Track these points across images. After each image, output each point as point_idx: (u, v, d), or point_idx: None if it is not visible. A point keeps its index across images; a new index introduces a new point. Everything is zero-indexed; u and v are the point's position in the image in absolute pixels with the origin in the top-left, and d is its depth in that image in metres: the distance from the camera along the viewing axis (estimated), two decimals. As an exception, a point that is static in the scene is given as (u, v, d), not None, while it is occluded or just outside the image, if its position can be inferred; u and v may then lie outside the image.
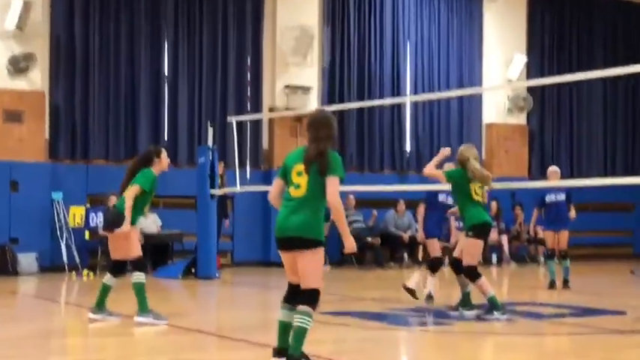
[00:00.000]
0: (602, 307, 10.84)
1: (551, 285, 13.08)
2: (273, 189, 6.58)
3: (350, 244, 6.40)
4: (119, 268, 9.13)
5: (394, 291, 12.83)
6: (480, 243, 9.56)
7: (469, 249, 9.57)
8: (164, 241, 16.73)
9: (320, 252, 6.31)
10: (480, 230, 9.53)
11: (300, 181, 6.33)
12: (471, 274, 9.51)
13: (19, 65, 15.61)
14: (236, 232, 17.85)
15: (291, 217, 6.31)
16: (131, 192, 8.90)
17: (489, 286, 9.51)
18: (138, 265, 8.95)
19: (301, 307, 6.27)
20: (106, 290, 9.12)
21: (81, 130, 16.60)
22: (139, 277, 8.86)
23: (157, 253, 16.42)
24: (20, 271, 15.25)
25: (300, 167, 6.34)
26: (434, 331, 8.80)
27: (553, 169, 13.23)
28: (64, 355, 7.27)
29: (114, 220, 8.95)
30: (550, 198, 13.11)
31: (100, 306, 9.11)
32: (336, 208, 6.27)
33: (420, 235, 11.27)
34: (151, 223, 16.60)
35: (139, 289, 8.83)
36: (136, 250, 8.98)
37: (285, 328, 6.44)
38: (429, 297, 10.75)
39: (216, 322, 10.00)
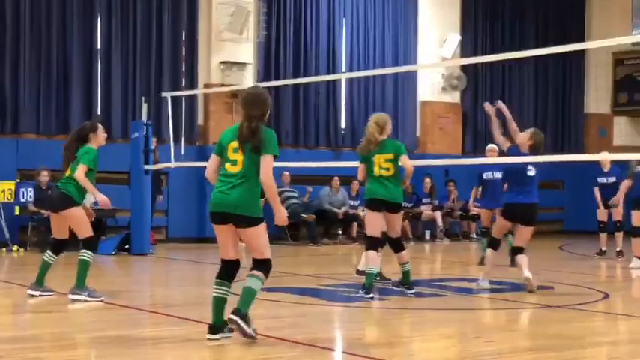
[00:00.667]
0: (531, 282, 11.10)
1: (482, 261, 13.30)
2: (210, 165, 6.64)
3: (281, 217, 6.57)
4: (61, 247, 9.13)
5: (328, 267, 12.97)
6: (369, 215, 9.59)
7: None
8: (97, 217, 16.53)
9: (261, 226, 6.50)
10: (367, 204, 9.70)
11: (236, 157, 6.44)
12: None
13: (-53, 37, 15.27)
14: (171, 208, 17.76)
15: (228, 193, 6.41)
16: (81, 173, 8.85)
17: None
18: (89, 244, 8.98)
19: (255, 272, 6.52)
20: (46, 267, 9.09)
21: (11, 104, 16.29)
22: (87, 254, 8.89)
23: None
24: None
25: (236, 144, 6.43)
26: (367, 307, 8.92)
27: (491, 146, 13.43)
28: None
29: (60, 202, 8.94)
30: (488, 175, 13.34)
31: (39, 282, 9.09)
32: (268, 186, 6.40)
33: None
34: (86, 199, 16.39)
35: (84, 266, 8.85)
36: (87, 230, 8.98)
37: (219, 303, 6.51)
38: (360, 271, 10.89)
39: (150, 298, 9.99)
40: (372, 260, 9.49)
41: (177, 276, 12.54)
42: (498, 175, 12.90)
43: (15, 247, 15.15)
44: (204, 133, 18.29)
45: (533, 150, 10.32)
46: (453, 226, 20.52)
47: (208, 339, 6.47)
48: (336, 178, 18.74)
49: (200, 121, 18.30)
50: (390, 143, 9.58)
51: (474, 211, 15.83)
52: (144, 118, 15.16)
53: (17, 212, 15.69)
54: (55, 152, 9.40)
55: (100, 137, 9.20)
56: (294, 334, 6.90)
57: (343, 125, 20.12)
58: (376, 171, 9.47)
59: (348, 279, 11.00)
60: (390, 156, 9.45)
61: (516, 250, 10.31)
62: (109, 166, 16.71)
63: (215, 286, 6.56)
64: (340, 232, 18.96)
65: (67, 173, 9.03)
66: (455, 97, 21.63)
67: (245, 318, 6.43)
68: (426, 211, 19.86)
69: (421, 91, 21.19)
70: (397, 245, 9.67)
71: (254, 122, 6.43)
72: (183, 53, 18.08)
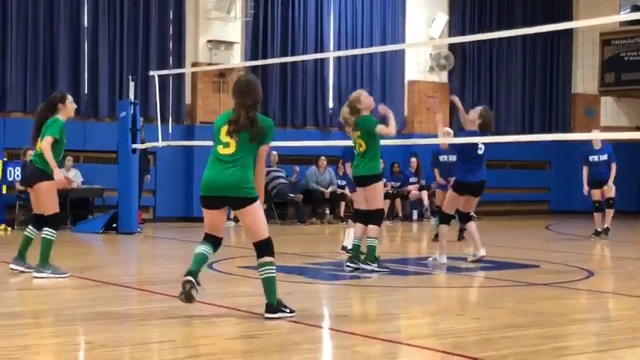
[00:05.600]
0: (517, 261, 11.19)
1: (436, 238, 13.31)
2: None
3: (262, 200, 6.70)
4: (41, 222, 9.03)
5: (315, 246, 13.02)
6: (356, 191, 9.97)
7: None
8: (85, 196, 16.58)
9: (257, 205, 6.52)
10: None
11: (229, 140, 6.50)
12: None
13: None
14: (158, 188, 17.77)
15: (221, 175, 6.47)
16: (46, 144, 8.74)
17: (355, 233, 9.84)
18: (51, 221, 8.90)
19: (262, 259, 6.57)
20: (27, 242, 9.11)
21: (-3, 83, 16.23)
22: (50, 232, 8.84)
23: (77, 208, 16.29)
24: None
25: (229, 128, 6.51)
26: (353, 285, 8.96)
27: (446, 130, 13.58)
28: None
29: (32, 175, 8.90)
30: (443, 158, 14.03)
31: (21, 257, 9.10)
32: (261, 176, 6.62)
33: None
34: (72, 178, 16.40)
35: (46, 244, 8.80)
36: (52, 207, 8.90)
37: (200, 257, 6.64)
38: (344, 247, 11.10)
39: (137, 275, 10.01)
40: (356, 232, 9.79)
41: (163, 254, 12.56)
42: (453, 158, 13.10)
43: (2, 226, 15.13)
44: (191, 112, 18.27)
45: (483, 128, 10.51)
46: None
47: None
48: (323, 158, 18.76)
49: (188, 100, 18.27)
50: (360, 121, 9.63)
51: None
52: (131, 96, 15.12)
53: (4, 191, 15.66)
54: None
55: (68, 108, 9.10)
56: (280, 311, 6.92)
57: (331, 105, 20.12)
58: (357, 149, 9.68)
59: (334, 258, 11.06)
60: (359, 133, 9.57)
61: (464, 217, 10.69)
62: (97, 145, 16.80)
63: (199, 245, 6.71)
64: (327, 211, 19.01)
65: (37, 146, 8.92)
66: (443, 77, 21.64)
67: (280, 308, 6.55)
68: (413, 190, 19.91)
69: (409, 70, 21.20)
70: (364, 217, 9.71)
71: (250, 111, 6.50)
72: (171, 32, 18.04)
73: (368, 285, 8.99)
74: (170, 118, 15.63)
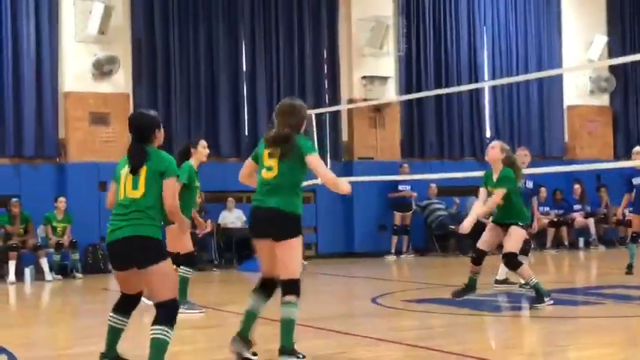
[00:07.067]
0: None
1: (629, 269, 12.83)
2: (243, 170, 6.68)
3: (346, 187, 6.45)
4: (190, 259, 9.34)
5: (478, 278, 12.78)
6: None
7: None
8: (248, 236, 16.94)
9: (298, 239, 6.22)
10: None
11: (271, 163, 6.34)
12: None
13: (102, 69, 16.01)
14: (319, 224, 17.99)
15: (264, 200, 6.28)
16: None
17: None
18: (187, 259, 9.26)
19: (289, 298, 6.18)
20: (183, 284, 9.23)
21: (164, 129, 16.84)
22: (185, 270, 9.22)
23: (241, 248, 16.69)
24: (111, 269, 15.61)
25: (267, 148, 6.38)
26: (518, 316, 8.77)
27: (637, 149, 12.95)
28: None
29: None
30: (637, 181, 12.81)
31: (181, 299, 9.39)
32: (328, 181, 6.26)
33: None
34: (236, 218, 16.89)
35: (182, 282, 8.99)
36: (185, 246, 9.24)
37: (251, 316, 6.45)
38: (498, 281, 10.88)
39: (302, 312, 10.11)
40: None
41: (326, 290, 12.67)
42: None
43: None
44: (349, 149, 18.44)
45: None
46: (608, 233, 19.88)
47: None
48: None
49: (345, 136, 18.47)
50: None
51: (628, 216, 15.26)
52: (290, 136, 15.38)
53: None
54: (200, 174, 9.72)
55: (200, 152, 9.45)
56: (446, 345, 6.86)
57: (488, 134, 19.87)
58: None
59: (497, 289, 10.87)
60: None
61: None
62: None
63: (252, 298, 6.49)
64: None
65: None
66: (604, 100, 21.00)
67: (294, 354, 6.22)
68: (578, 217, 19.33)
69: (567, 95, 20.70)
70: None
71: (287, 129, 6.30)
72: (325, 70, 18.34)
73: (534, 317, 8.77)
74: (328, 155, 15.81)
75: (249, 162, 6.63)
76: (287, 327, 6.15)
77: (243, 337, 6.39)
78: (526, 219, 9.58)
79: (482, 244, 9.54)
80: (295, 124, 6.33)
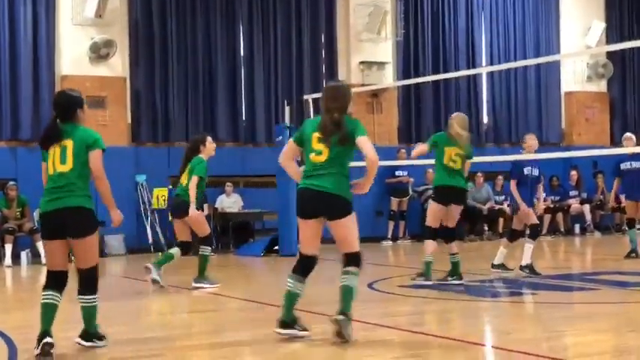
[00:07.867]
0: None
1: (630, 254, 12.88)
2: (286, 152, 6.71)
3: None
4: (186, 248, 10.25)
5: (474, 263, 12.84)
6: (437, 206, 9.98)
7: (429, 211, 10.11)
8: (245, 220, 17.01)
9: (352, 216, 6.56)
10: (438, 193, 9.99)
11: (321, 147, 6.42)
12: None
13: (99, 52, 15.97)
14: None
15: (318, 182, 6.41)
16: (193, 184, 9.96)
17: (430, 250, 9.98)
18: (206, 241, 10.26)
19: (349, 268, 6.63)
20: (169, 258, 10.17)
21: (162, 113, 16.89)
22: (204, 249, 10.22)
23: (238, 232, 16.72)
24: (108, 253, 15.66)
25: (319, 135, 6.42)
26: (514, 302, 8.80)
27: (628, 135, 12.99)
28: (160, 331, 7.50)
29: (179, 209, 10.13)
30: (626, 166, 12.88)
31: (201, 275, 10.20)
32: (374, 163, 6.33)
33: (524, 209, 10.99)
34: (233, 203, 16.89)
35: (204, 260, 10.17)
36: (204, 230, 10.27)
37: (292, 298, 6.60)
38: (494, 265, 10.98)
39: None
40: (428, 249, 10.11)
41: (326, 275, 12.66)
42: (637, 164, 12.48)
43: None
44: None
45: None
46: (604, 219, 19.91)
47: (278, 333, 6.55)
48: (480, 174, 18.53)
49: (342, 122, 18.40)
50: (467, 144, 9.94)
51: (624, 203, 15.29)
52: (287, 121, 15.43)
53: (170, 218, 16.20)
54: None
55: (209, 148, 10.32)
56: (442, 330, 6.88)
57: (485, 120, 19.88)
58: (445, 160, 9.86)
59: (494, 275, 10.90)
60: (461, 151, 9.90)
61: None
62: (255, 169, 17.18)
63: (290, 281, 6.62)
64: (486, 228, 18.73)
65: (184, 182, 10.16)
66: (601, 86, 21.00)
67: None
68: (574, 204, 19.37)
69: (565, 81, 20.70)
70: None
71: (336, 113, 6.38)
72: (323, 55, 18.31)
73: (531, 302, 8.80)
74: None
75: (292, 145, 6.68)
76: (348, 294, 6.51)
77: (290, 319, 6.59)
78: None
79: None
80: (343, 106, 6.46)
